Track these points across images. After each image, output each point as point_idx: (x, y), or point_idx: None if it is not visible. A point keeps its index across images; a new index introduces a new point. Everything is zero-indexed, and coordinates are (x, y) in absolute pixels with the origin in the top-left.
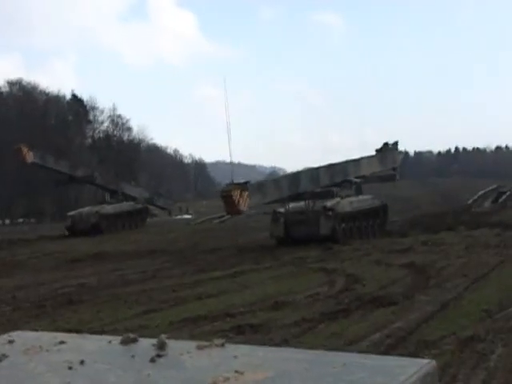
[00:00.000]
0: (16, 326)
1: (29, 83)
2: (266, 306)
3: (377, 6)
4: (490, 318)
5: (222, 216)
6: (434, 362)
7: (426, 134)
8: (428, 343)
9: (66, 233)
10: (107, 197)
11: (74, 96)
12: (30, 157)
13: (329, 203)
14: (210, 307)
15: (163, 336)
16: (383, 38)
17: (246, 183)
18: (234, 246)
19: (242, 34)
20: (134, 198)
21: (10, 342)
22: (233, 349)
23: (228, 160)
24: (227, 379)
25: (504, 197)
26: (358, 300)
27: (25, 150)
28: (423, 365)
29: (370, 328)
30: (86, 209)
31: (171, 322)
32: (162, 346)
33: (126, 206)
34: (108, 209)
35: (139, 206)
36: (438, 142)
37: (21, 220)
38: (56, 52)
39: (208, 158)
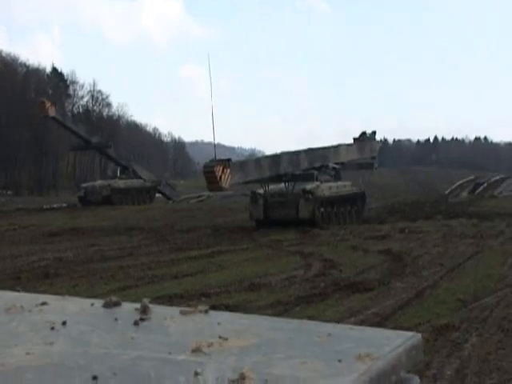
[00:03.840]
0: None
1: (8, 54)
2: (241, 287)
3: None
4: (464, 308)
5: (200, 196)
6: (419, 336)
7: (406, 122)
8: (403, 330)
9: (76, 205)
10: (118, 172)
11: (55, 69)
12: (52, 111)
13: (308, 186)
14: (186, 286)
15: (146, 300)
16: (366, 25)
17: (228, 160)
18: (211, 227)
19: (227, 16)
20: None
21: None
22: (216, 315)
23: (207, 140)
24: (211, 344)
25: (481, 188)
26: (334, 285)
27: (48, 103)
28: (409, 337)
29: (345, 313)
30: (99, 182)
31: None
32: (145, 310)
33: (136, 182)
34: (120, 183)
35: (148, 184)
36: (418, 131)
37: None
38: (39, 26)
39: (187, 137)
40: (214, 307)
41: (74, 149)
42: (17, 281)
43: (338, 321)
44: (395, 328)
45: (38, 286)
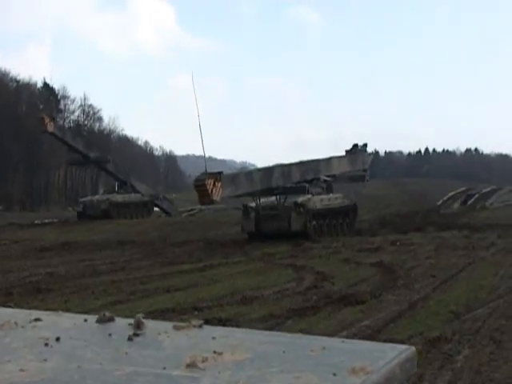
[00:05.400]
0: None
1: None
2: (234, 301)
3: (354, 3)
4: (457, 319)
5: (192, 209)
6: (413, 349)
7: (397, 133)
8: (395, 342)
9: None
10: (116, 187)
11: (46, 84)
12: (51, 126)
13: (300, 199)
14: (178, 300)
15: (140, 315)
16: (358, 35)
17: (219, 173)
18: (203, 240)
19: (219, 27)
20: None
21: None
22: (210, 330)
23: (198, 153)
24: (206, 359)
25: (473, 199)
26: (326, 297)
27: (47, 119)
28: (402, 350)
29: (337, 326)
30: (98, 196)
31: None
32: (139, 326)
33: (134, 197)
34: (118, 198)
35: (146, 198)
36: (409, 143)
37: None
38: (30, 39)
39: (179, 150)
40: (206, 321)
41: (73, 164)
42: (9, 296)
43: (331, 334)
44: (387, 341)
45: (30, 302)
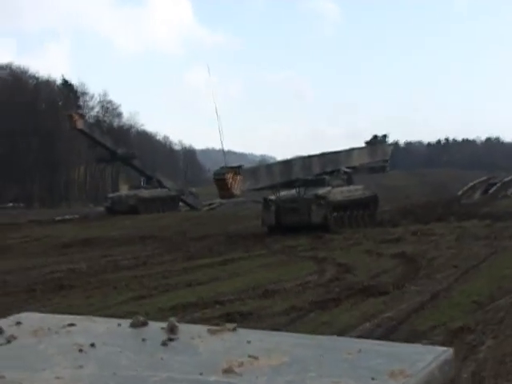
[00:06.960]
0: (7, 311)
1: (19, 67)
2: (255, 294)
3: None
4: (480, 310)
5: (212, 203)
6: (451, 351)
7: (416, 124)
8: (418, 333)
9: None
10: (143, 182)
11: (65, 81)
12: (80, 123)
13: (320, 191)
14: (200, 294)
15: (173, 319)
16: (375, 27)
17: (239, 167)
18: (224, 234)
19: (236, 21)
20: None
21: (18, 323)
22: (245, 333)
23: (218, 147)
24: (242, 364)
25: (494, 188)
26: (348, 289)
27: (75, 116)
28: (440, 353)
29: (360, 317)
30: (125, 192)
31: (161, 309)
32: (172, 330)
33: (160, 192)
34: (145, 193)
35: (173, 193)
36: (428, 133)
37: (10, 204)
38: (48, 37)
39: (198, 144)
40: (228, 315)
41: (100, 161)
42: (31, 293)
43: (354, 326)
44: (410, 332)
45: (52, 298)
